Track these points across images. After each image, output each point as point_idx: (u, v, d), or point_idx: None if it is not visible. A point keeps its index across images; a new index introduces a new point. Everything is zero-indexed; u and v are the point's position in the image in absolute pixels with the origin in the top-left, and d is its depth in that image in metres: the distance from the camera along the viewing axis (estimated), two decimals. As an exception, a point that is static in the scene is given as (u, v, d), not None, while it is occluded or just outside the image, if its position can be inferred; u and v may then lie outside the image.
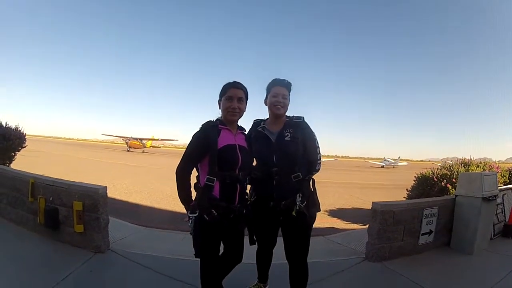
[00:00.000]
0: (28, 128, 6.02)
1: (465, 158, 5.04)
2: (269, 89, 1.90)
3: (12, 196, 3.47)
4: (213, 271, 1.72)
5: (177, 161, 1.65)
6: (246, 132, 1.90)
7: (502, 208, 4.09)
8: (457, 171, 4.49)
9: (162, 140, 53.38)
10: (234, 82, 1.74)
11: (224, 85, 1.73)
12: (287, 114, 1.91)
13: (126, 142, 40.56)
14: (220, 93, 1.74)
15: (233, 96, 1.69)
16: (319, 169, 1.88)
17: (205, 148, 1.60)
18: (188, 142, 1.68)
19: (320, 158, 1.88)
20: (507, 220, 4.10)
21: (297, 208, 1.72)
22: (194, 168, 1.69)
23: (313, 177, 1.90)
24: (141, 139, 42.95)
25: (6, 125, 5.44)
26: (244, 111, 1.77)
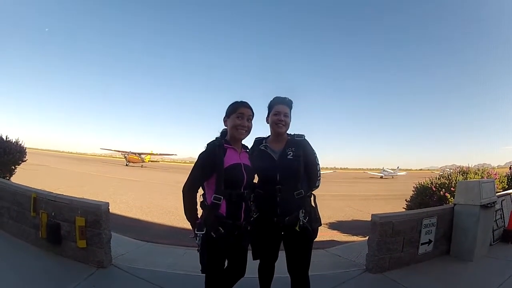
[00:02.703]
0: (26, 141, 6.00)
1: (463, 166, 5.07)
2: (271, 107, 1.93)
3: (13, 210, 3.48)
4: (218, 286, 1.74)
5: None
6: (248, 151, 1.93)
7: (501, 214, 4.12)
8: (455, 180, 4.51)
9: (160, 154, 52.91)
10: (244, 101, 1.78)
11: (234, 104, 1.77)
12: (289, 131, 1.94)
13: (125, 157, 40.14)
14: (229, 111, 1.77)
15: (244, 114, 1.73)
16: (318, 185, 1.93)
17: (212, 167, 1.64)
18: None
19: (320, 175, 1.93)
20: (506, 225, 4.13)
21: (301, 223, 1.76)
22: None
23: (313, 192, 1.94)
24: (139, 154, 42.71)
25: (6, 138, 5.47)
26: (251, 130, 1.80)
